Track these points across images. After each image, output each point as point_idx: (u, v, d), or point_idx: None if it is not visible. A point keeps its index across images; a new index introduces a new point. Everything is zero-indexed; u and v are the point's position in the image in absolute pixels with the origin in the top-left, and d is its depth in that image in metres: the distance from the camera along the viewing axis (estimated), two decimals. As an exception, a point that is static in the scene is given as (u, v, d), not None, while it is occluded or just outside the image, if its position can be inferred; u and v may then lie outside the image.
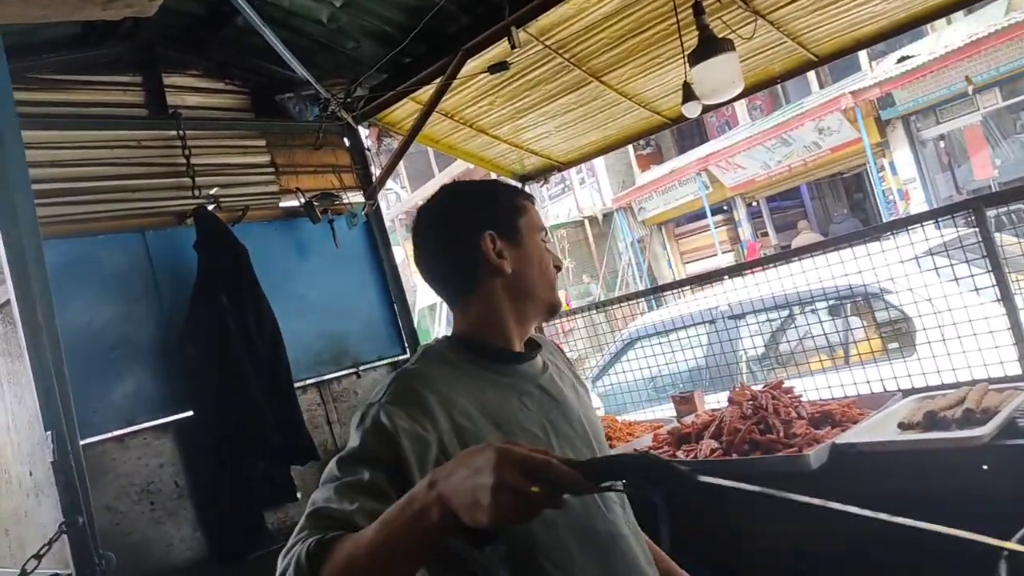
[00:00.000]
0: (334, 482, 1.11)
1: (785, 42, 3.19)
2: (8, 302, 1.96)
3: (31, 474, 2.04)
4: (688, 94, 3.00)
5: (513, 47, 2.83)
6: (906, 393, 2.66)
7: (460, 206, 1.41)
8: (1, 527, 2.36)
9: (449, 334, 1.40)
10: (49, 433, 1.80)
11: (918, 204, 12.33)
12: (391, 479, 1.10)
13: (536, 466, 0.88)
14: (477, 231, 1.33)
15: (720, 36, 2.83)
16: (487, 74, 3.32)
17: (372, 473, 1.10)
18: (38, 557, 1.78)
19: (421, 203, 1.44)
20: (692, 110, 3.05)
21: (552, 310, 1.44)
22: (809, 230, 14.12)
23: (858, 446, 2.28)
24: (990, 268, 2.52)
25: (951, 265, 2.71)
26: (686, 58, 2.88)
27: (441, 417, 1.19)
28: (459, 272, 1.36)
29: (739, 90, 2.87)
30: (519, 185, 4.36)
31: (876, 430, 2.40)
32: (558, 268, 1.44)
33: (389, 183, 3.57)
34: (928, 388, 2.63)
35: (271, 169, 3.37)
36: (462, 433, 1.20)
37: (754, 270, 3.45)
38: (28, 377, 1.90)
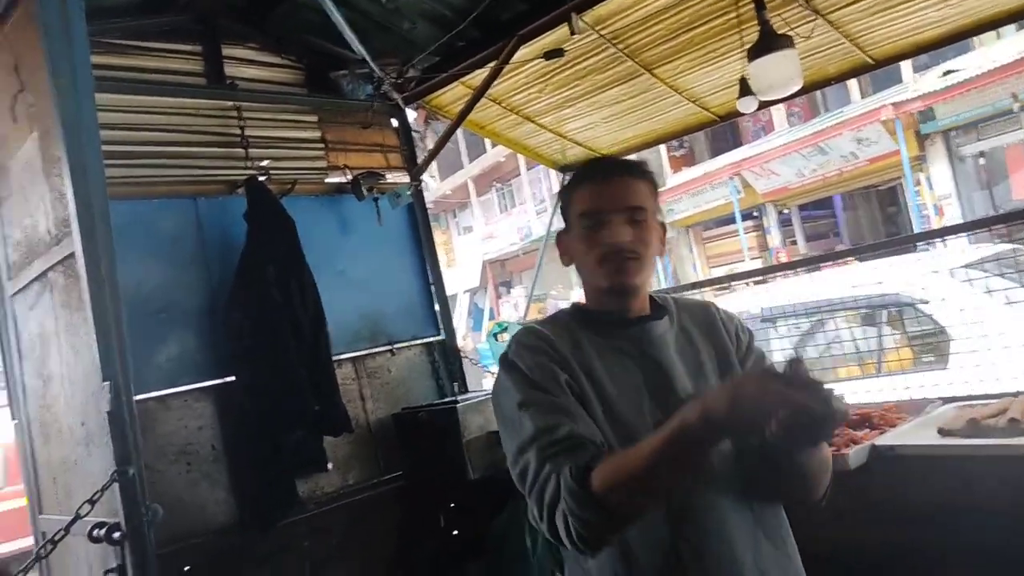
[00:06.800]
0: (526, 413, 1.28)
1: (843, 43, 3.16)
2: (71, 255, 2.00)
3: (83, 424, 2.08)
4: (745, 89, 2.98)
5: (573, 33, 2.82)
6: (945, 401, 2.63)
7: None
8: (49, 475, 2.42)
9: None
10: (107, 383, 1.84)
11: (952, 221, 12.15)
12: (556, 395, 1.31)
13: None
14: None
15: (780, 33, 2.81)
16: (538, 62, 3.33)
17: (550, 396, 1.30)
18: (91, 503, 1.82)
19: None
20: (748, 105, 3.03)
21: (608, 291, 1.42)
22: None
23: (898, 449, 2.26)
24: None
25: (998, 275, 2.68)
26: (746, 53, 2.86)
27: (557, 351, 1.38)
28: None
29: (797, 87, 2.84)
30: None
31: (916, 434, 2.37)
32: (612, 246, 1.38)
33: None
34: (969, 397, 2.61)
35: (321, 145, 3.41)
36: (575, 372, 1.37)
37: (798, 271, 3.41)
38: (86, 329, 1.94)
